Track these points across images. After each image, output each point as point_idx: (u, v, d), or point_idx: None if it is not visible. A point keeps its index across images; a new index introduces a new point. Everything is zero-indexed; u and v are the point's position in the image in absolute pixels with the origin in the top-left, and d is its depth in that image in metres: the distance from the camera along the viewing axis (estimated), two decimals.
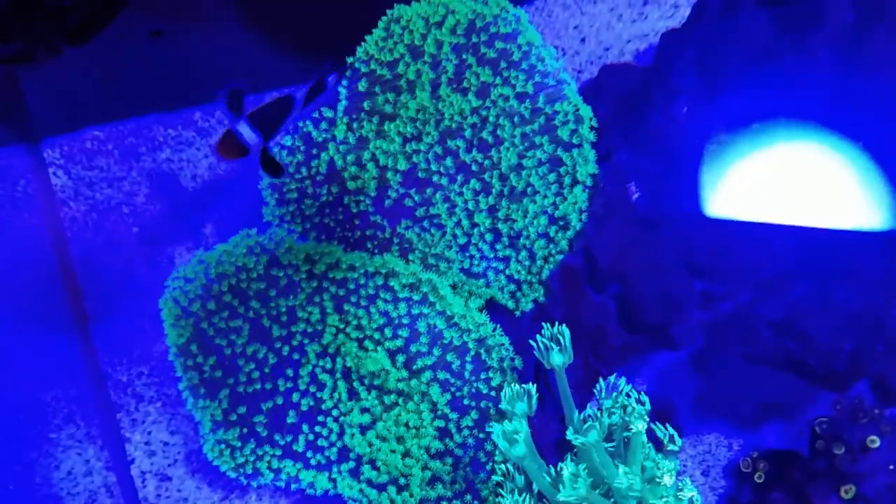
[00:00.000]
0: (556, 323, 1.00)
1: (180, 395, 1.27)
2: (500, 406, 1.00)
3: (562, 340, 0.98)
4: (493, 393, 1.08)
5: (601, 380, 1.03)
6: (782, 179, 1.08)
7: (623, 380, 1.02)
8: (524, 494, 0.96)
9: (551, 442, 1.10)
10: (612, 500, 0.94)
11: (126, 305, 1.29)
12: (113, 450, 1.29)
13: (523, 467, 0.96)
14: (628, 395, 0.99)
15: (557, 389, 1.00)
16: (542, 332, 0.99)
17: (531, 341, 1.00)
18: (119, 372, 1.29)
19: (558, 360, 0.98)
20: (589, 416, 0.99)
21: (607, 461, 0.94)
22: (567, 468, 0.90)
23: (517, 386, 0.98)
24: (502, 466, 1.02)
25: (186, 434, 1.28)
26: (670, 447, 0.99)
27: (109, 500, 1.29)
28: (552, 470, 0.96)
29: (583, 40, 1.27)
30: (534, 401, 0.98)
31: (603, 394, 1.02)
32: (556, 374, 0.99)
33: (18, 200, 1.30)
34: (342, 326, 1.09)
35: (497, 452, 1.08)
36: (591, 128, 1.11)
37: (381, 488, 1.09)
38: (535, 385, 1.00)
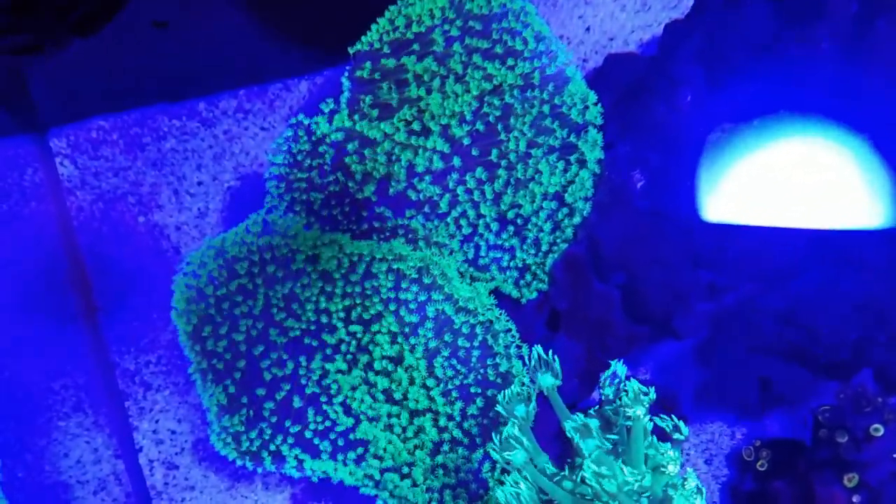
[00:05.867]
0: (545, 350, 1.00)
1: (187, 384, 1.28)
2: (497, 409, 1.00)
3: (550, 363, 0.98)
4: (499, 380, 1.09)
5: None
6: (786, 172, 1.08)
7: (623, 368, 1.02)
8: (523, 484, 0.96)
9: (551, 432, 1.11)
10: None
11: (133, 295, 1.30)
12: (121, 438, 1.30)
13: (525, 473, 0.95)
14: (628, 379, 0.99)
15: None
16: (530, 356, 1.00)
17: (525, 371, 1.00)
18: (126, 361, 1.29)
19: (548, 381, 0.98)
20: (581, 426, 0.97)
21: (612, 464, 0.94)
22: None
23: (516, 387, 0.98)
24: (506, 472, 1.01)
25: (193, 423, 1.29)
26: (676, 436, 0.99)
27: (118, 488, 1.30)
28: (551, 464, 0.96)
29: (587, 30, 1.28)
30: (533, 404, 0.98)
31: (608, 383, 1.02)
32: (549, 396, 0.99)
33: (26, 189, 1.30)
34: (352, 312, 1.09)
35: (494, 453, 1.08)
36: (599, 113, 1.11)
37: (386, 476, 1.10)
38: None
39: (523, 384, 1.01)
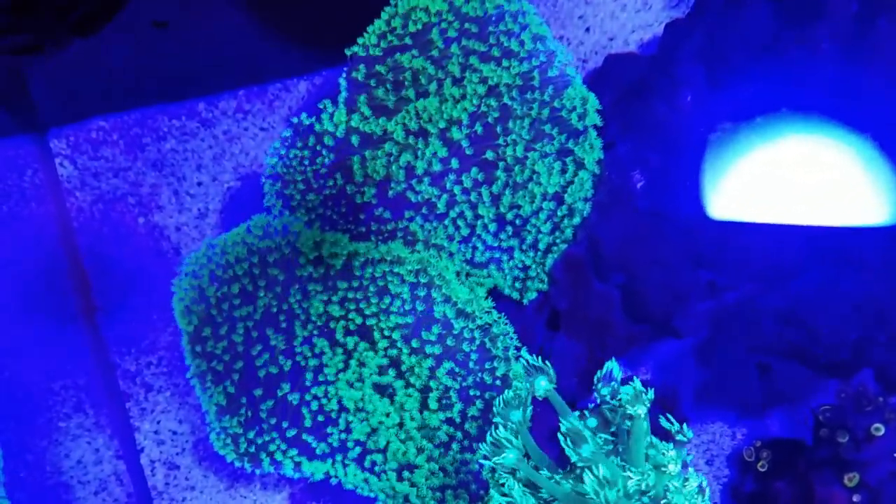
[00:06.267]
0: (545, 349, 0.99)
1: (188, 385, 1.28)
2: (492, 417, 0.99)
3: (542, 367, 0.98)
4: (497, 382, 1.09)
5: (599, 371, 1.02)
6: (786, 171, 1.08)
7: (617, 367, 1.01)
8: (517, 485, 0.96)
9: (550, 430, 1.11)
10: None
11: (133, 295, 1.30)
12: (122, 438, 1.31)
13: (521, 473, 0.95)
14: (625, 381, 0.99)
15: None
16: (521, 360, 0.99)
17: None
18: (127, 362, 1.30)
19: (541, 386, 0.98)
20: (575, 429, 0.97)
21: (615, 469, 0.94)
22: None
23: (510, 393, 0.98)
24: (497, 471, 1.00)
25: (194, 423, 1.29)
26: (679, 438, 0.99)
27: (119, 489, 1.31)
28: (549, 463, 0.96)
29: (587, 30, 1.27)
30: (529, 411, 0.98)
31: (601, 384, 1.02)
32: (549, 399, 0.99)
33: (26, 190, 1.31)
34: (351, 314, 1.09)
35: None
36: (597, 111, 1.11)
37: (384, 477, 1.10)
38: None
39: (518, 388, 1.00)
